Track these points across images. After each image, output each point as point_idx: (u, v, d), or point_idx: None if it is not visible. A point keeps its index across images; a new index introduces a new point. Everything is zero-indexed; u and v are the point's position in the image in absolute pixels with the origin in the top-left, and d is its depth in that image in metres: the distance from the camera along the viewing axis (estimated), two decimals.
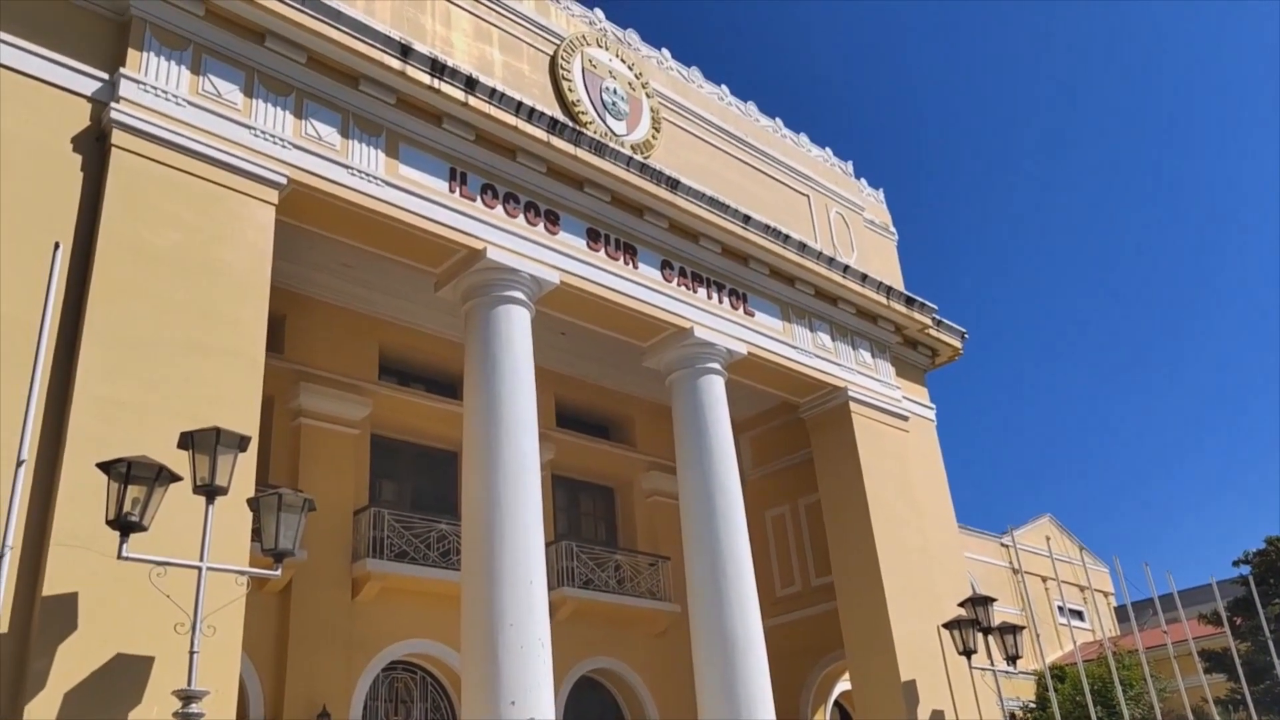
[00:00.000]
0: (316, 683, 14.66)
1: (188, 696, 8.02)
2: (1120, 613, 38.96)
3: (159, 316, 10.30)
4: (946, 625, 16.44)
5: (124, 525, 8.34)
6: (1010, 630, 16.50)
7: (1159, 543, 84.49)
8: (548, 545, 16.09)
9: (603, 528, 20.90)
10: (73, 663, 8.62)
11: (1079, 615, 35.13)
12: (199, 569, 8.57)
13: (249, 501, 9.56)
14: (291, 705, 14.41)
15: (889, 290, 19.93)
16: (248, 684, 14.26)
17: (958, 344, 21.87)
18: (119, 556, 8.37)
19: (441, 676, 16.55)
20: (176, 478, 8.73)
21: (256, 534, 9.66)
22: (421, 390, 18.16)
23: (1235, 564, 26.44)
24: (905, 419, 19.99)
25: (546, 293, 14.52)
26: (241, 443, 8.97)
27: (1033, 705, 24.58)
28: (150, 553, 8.60)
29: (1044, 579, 30.99)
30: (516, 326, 13.76)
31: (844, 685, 21.03)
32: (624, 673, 19.22)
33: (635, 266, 15.94)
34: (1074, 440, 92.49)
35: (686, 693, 15.55)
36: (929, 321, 20.87)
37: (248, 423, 9.79)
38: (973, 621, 16.19)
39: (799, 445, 20.42)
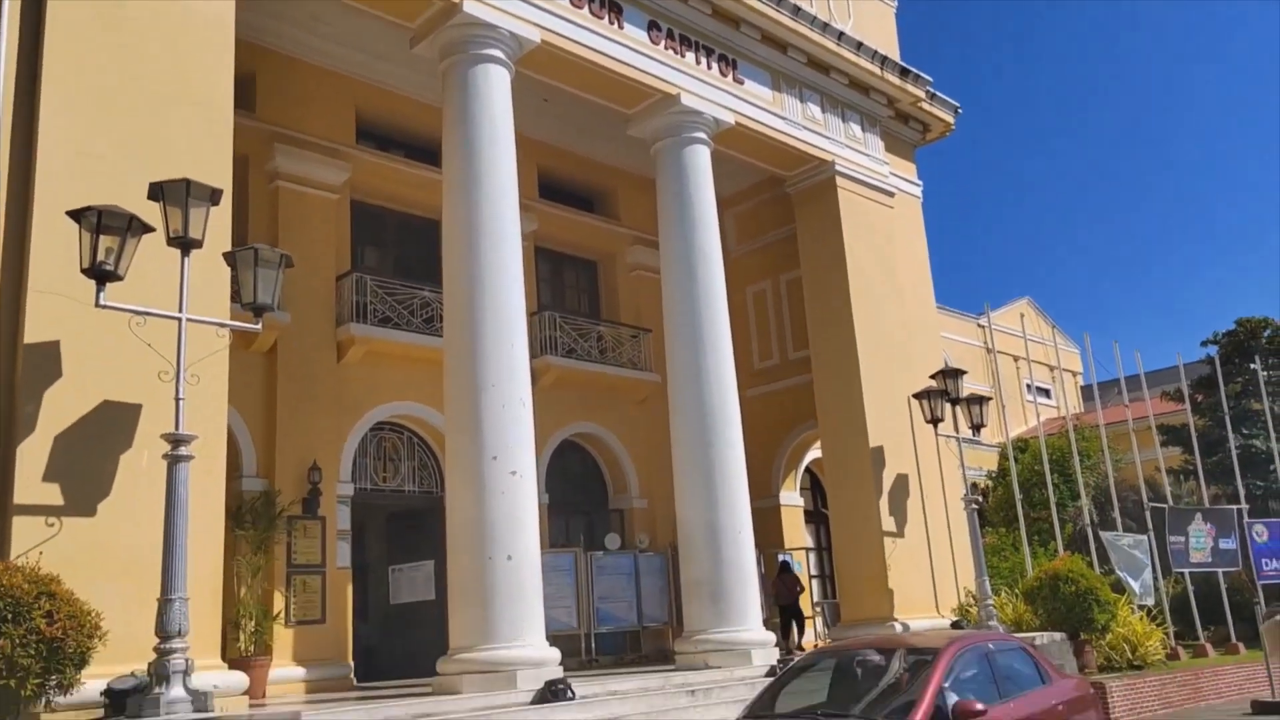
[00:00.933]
0: (306, 440, 15.18)
1: (176, 440, 8.28)
2: (1086, 392, 40.39)
3: (120, 65, 9.88)
4: (916, 395, 16.98)
5: (99, 274, 8.32)
6: (977, 401, 17.07)
7: (1133, 326, 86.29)
8: (531, 315, 16.29)
9: (586, 300, 21.11)
10: (60, 408, 8.84)
11: (1046, 394, 36.44)
12: (179, 319, 8.63)
13: (225, 256, 9.52)
14: (283, 461, 14.98)
15: (884, 60, 19.24)
16: (239, 439, 14.76)
17: (949, 118, 21.37)
18: (96, 304, 8.41)
19: (427, 436, 17.15)
20: (149, 228, 8.63)
21: (236, 295, 9.72)
22: (401, 156, 17.78)
23: (1204, 344, 27.07)
24: (891, 195, 19.83)
25: (527, 52, 13.93)
26: (213, 195, 8.82)
27: (994, 474, 25.86)
28: (129, 303, 8.63)
29: (1015, 358, 31.80)
30: (496, 87, 13.28)
31: (815, 453, 22.00)
32: (604, 437, 19.98)
33: (621, 26, 15.24)
34: (1058, 226, 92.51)
35: (664, 457, 16.19)
36: (922, 94, 20.29)
37: (219, 176, 9.58)
38: (941, 392, 16.72)
39: (783, 222, 20.34)
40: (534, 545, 11.90)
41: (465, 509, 11.72)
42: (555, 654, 11.65)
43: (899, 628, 16.15)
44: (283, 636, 14.27)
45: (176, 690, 7.66)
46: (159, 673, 7.72)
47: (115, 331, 8.86)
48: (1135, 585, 18.72)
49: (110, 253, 8.30)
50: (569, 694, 10.94)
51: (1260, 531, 20.62)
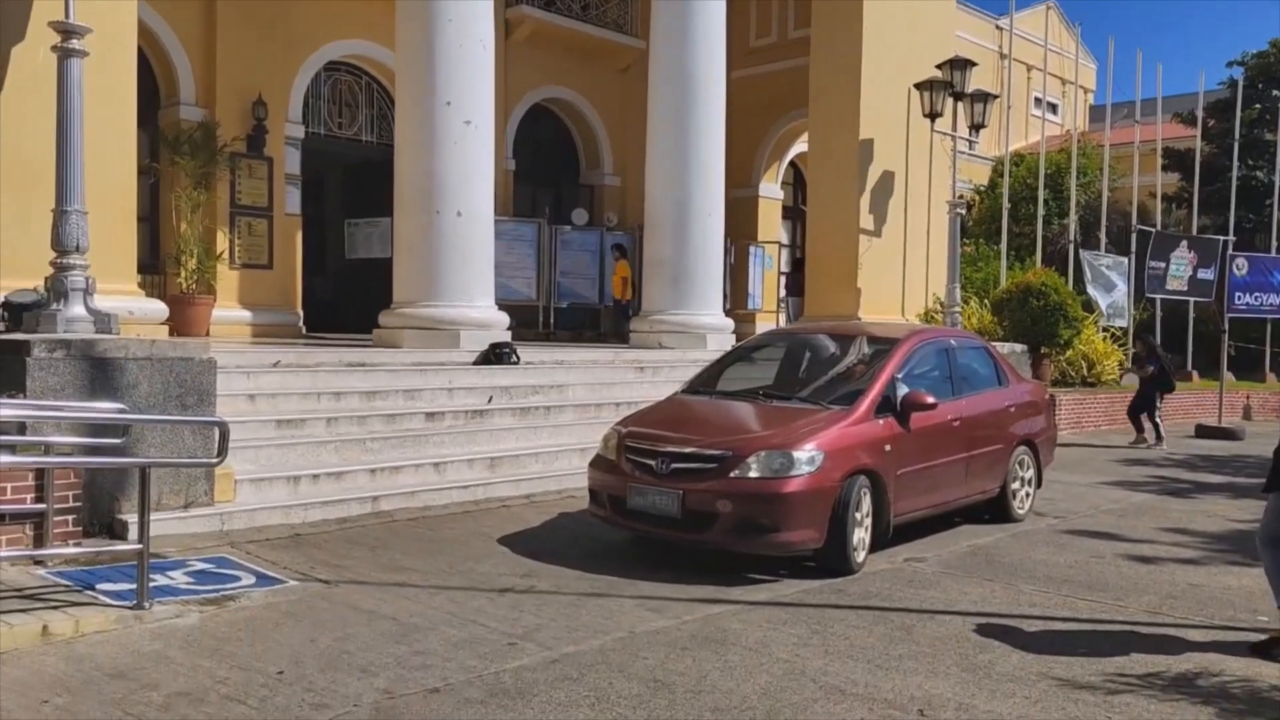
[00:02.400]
0: (250, 71, 13.88)
1: (66, 30, 7.14)
2: (1095, 114, 38.50)
3: None
4: (918, 85, 15.65)
5: None
6: (981, 98, 15.81)
7: (1160, 49, 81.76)
8: None
9: None
10: None
11: (1054, 109, 34.68)
12: None
13: None
14: (225, 91, 13.77)
15: None
16: (175, 61, 13.50)
17: None
18: None
19: (386, 83, 15.79)
20: None
21: None
22: None
23: (1229, 65, 25.28)
24: None
25: None
26: None
27: (982, 188, 24.89)
28: None
29: (1029, 68, 29.82)
30: None
31: (801, 147, 20.89)
32: (580, 105, 18.69)
33: None
34: None
35: (642, 133, 15.00)
36: None
37: None
38: (946, 84, 15.41)
39: None
40: (487, 204, 11.10)
41: (414, 159, 10.78)
42: (503, 318, 11.22)
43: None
44: (227, 278, 13.76)
45: (76, 309, 7.07)
46: (56, 289, 7.09)
47: None
48: (1104, 305, 18.48)
49: None
50: (513, 358, 10.62)
51: (1241, 265, 20.19)
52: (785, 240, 22.09)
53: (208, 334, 13.18)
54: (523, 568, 6.18)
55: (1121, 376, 17.35)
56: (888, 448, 6.52)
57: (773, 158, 21.02)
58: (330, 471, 7.66)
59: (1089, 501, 9.21)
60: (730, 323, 14.04)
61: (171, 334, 12.75)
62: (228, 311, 13.57)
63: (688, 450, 6.19)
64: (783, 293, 21.19)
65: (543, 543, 6.85)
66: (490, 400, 9.77)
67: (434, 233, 10.66)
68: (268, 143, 14.09)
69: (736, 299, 20.00)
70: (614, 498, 6.43)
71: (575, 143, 19.44)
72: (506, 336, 11.11)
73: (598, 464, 6.69)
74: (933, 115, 15.57)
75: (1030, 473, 8.26)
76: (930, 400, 6.69)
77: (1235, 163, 21.70)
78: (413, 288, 10.82)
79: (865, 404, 6.52)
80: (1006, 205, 18.87)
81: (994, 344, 13.71)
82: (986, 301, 16.92)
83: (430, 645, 4.75)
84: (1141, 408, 14.28)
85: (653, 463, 6.25)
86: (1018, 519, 8.05)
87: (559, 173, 19.27)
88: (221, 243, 13.65)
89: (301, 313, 14.78)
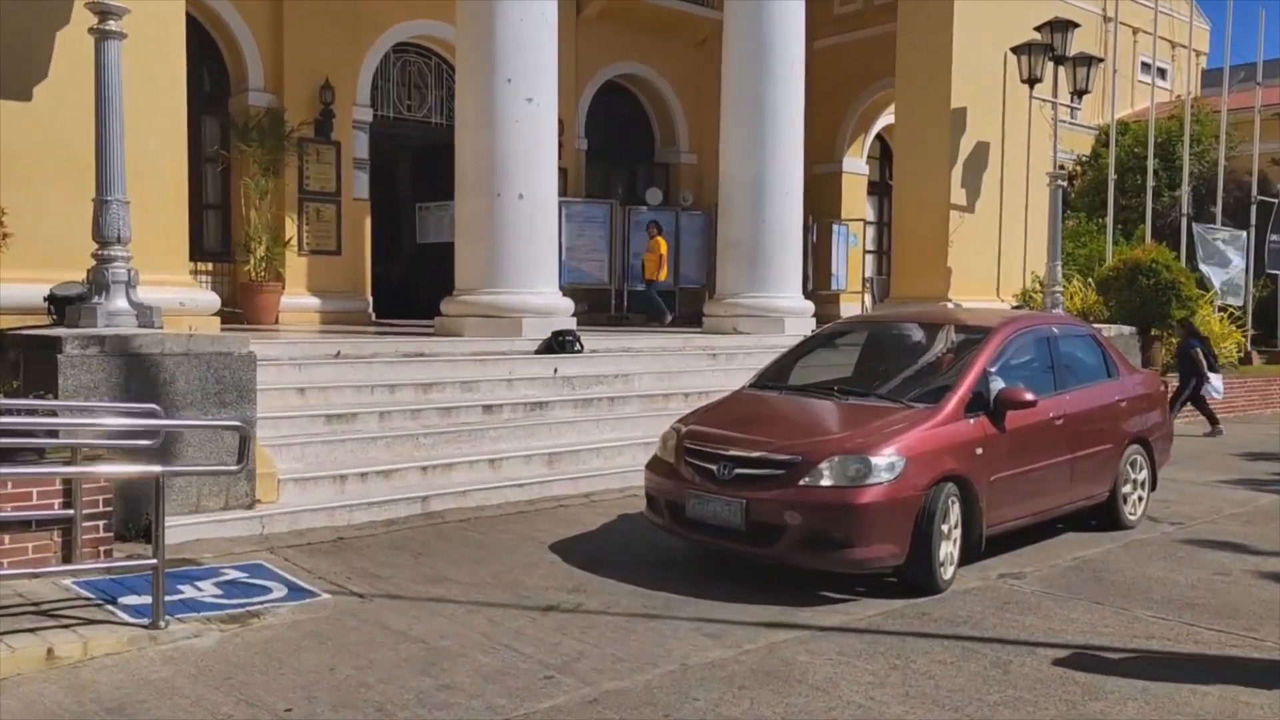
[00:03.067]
0: (318, 55, 13.62)
1: (103, 10, 6.84)
2: (1207, 78, 36.12)
3: None
4: (1015, 49, 14.59)
5: None
6: (1085, 62, 14.69)
7: None
8: None
9: None
10: None
11: (1162, 75, 32.61)
12: None
13: None
14: (292, 77, 13.55)
15: None
16: (244, 47, 13.30)
17: None
18: None
19: (454, 62, 15.35)
20: None
21: None
22: None
23: None
24: None
25: None
26: None
27: (1085, 158, 23.39)
28: None
29: (1135, 30, 28.00)
30: None
31: (888, 118, 19.85)
32: (655, 81, 18.07)
33: None
34: None
35: (716, 109, 14.30)
36: None
37: None
38: (1046, 47, 14.32)
39: None
40: (550, 185, 10.58)
41: (474, 139, 10.32)
42: (567, 304, 10.72)
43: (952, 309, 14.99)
44: (296, 265, 13.58)
45: (118, 302, 6.81)
46: (97, 281, 6.84)
47: None
48: (1218, 283, 17.15)
49: None
50: (577, 346, 10.12)
51: None
52: (871, 217, 21.12)
53: (277, 321, 13.04)
54: (572, 580, 5.67)
55: (1241, 361, 16.06)
56: (979, 450, 5.81)
57: (857, 131, 20.05)
58: (380, 469, 7.28)
59: (1208, 504, 8.30)
60: (810, 306, 13.29)
61: (242, 322, 12.70)
62: (296, 299, 13.40)
63: (753, 455, 5.58)
64: (869, 273, 20.29)
65: (597, 550, 6.35)
66: (555, 372, 9.36)
67: (494, 216, 10.20)
68: (335, 127, 13.83)
69: (819, 280, 19.19)
70: (672, 504, 5.87)
71: (650, 120, 18.83)
72: (571, 323, 10.61)
73: (655, 466, 6.14)
74: (1031, 81, 14.52)
75: (1144, 474, 7.42)
76: (1028, 397, 5.95)
77: None
78: (473, 274, 10.39)
79: (953, 402, 5.81)
80: (1113, 175, 17.61)
81: (1100, 329, 12.76)
82: (1090, 280, 15.78)
83: (458, 677, 4.27)
84: (1197, 395, 12.99)
85: (713, 467, 5.67)
86: (1129, 526, 7.23)
87: (634, 152, 18.69)
88: (290, 229, 13.47)
89: (371, 299, 14.56)
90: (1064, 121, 18.80)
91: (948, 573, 5.61)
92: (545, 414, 8.96)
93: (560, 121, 16.18)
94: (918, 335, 6.93)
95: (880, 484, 5.32)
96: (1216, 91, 20.35)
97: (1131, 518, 7.29)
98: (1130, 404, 7.28)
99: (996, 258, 16.00)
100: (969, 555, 5.91)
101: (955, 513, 5.66)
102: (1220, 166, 18.57)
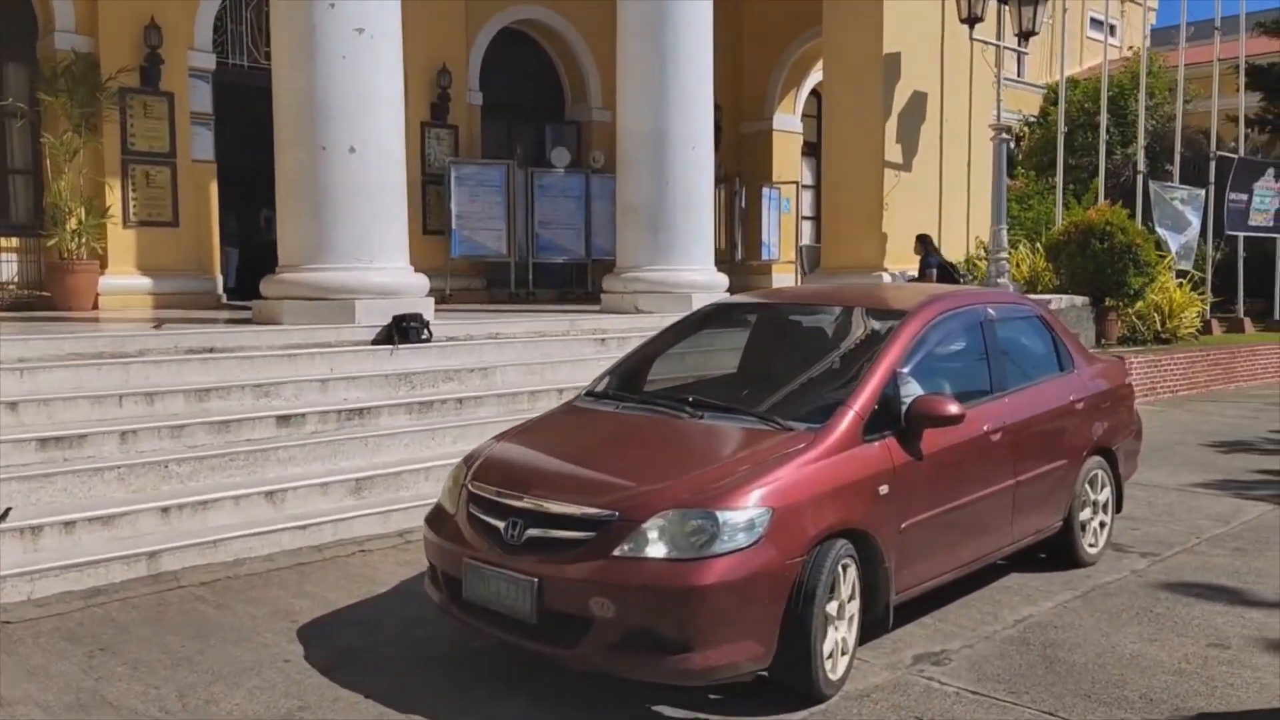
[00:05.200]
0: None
1: None
2: (1156, 37, 34.83)
3: None
4: None
5: None
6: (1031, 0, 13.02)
7: None
8: None
9: None
10: None
11: (1112, 31, 31.19)
12: None
13: None
14: (109, 16, 11.45)
15: None
16: None
17: None
18: None
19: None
20: None
21: None
22: None
23: None
24: None
25: None
26: None
27: (1033, 118, 21.82)
28: None
29: None
30: None
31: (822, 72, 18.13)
32: (562, 29, 16.10)
33: None
34: None
35: None
36: None
37: None
38: None
39: None
40: (393, 138, 8.64)
41: (293, 78, 8.36)
42: (418, 282, 8.85)
43: (888, 280, 13.35)
44: (122, 240, 11.55)
45: None
46: None
47: None
48: (1175, 246, 15.69)
49: None
50: (423, 334, 8.30)
51: None
52: (809, 180, 19.40)
53: (95, 306, 11.04)
54: (294, 698, 3.88)
55: (1200, 330, 14.65)
56: (884, 489, 4.10)
57: (789, 84, 18.26)
58: (98, 515, 5.39)
59: (1185, 521, 6.71)
60: (723, 279, 11.53)
61: (51, 308, 10.70)
62: (121, 279, 11.40)
63: (551, 508, 3.82)
64: (806, 241, 18.64)
65: (364, 634, 4.55)
66: (392, 368, 7.60)
67: (319, 174, 8.26)
68: (165, 76, 11.77)
69: (750, 249, 17.54)
70: (449, 577, 4.09)
71: (559, 73, 16.89)
72: (426, 305, 8.77)
73: (434, 519, 4.34)
74: (971, 20, 12.86)
75: (1106, 494, 5.79)
76: (952, 410, 4.24)
77: None
78: (296, 246, 8.47)
79: (846, 421, 4.08)
80: (1063, 128, 16.02)
81: (1049, 300, 11.18)
82: (1039, 246, 14.23)
83: None
84: None
85: (501, 524, 3.90)
86: (1089, 562, 5.60)
87: (542, 108, 16.76)
88: (111, 197, 11.42)
89: (221, 278, 12.57)
90: (1010, 79, 17.22)
91: (838, 669, 3.90)
92: (366, 424, 7.12)
93: (447, 71, 14.55)
94: (815, 322, 5.20)
95: (734, 552, 3.58)
96: (1168, 49, 18.87)
97: (1092, 551, 5.66)
98: (1089, 404, 5.62)
99: (937, 222, 14.39)
100: (873, 630, 4.22)
101: (850, 582, 3.96)
102: (1178, 121, 17.08)
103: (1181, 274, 15.32)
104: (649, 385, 5.00)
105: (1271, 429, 10.66)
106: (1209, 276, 16.59)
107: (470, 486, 4.15)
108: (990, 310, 5.17)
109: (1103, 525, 5.76)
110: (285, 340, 7.75)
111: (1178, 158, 16.87)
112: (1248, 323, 16.83)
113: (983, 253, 14.16)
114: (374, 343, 8.11)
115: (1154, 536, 6.28)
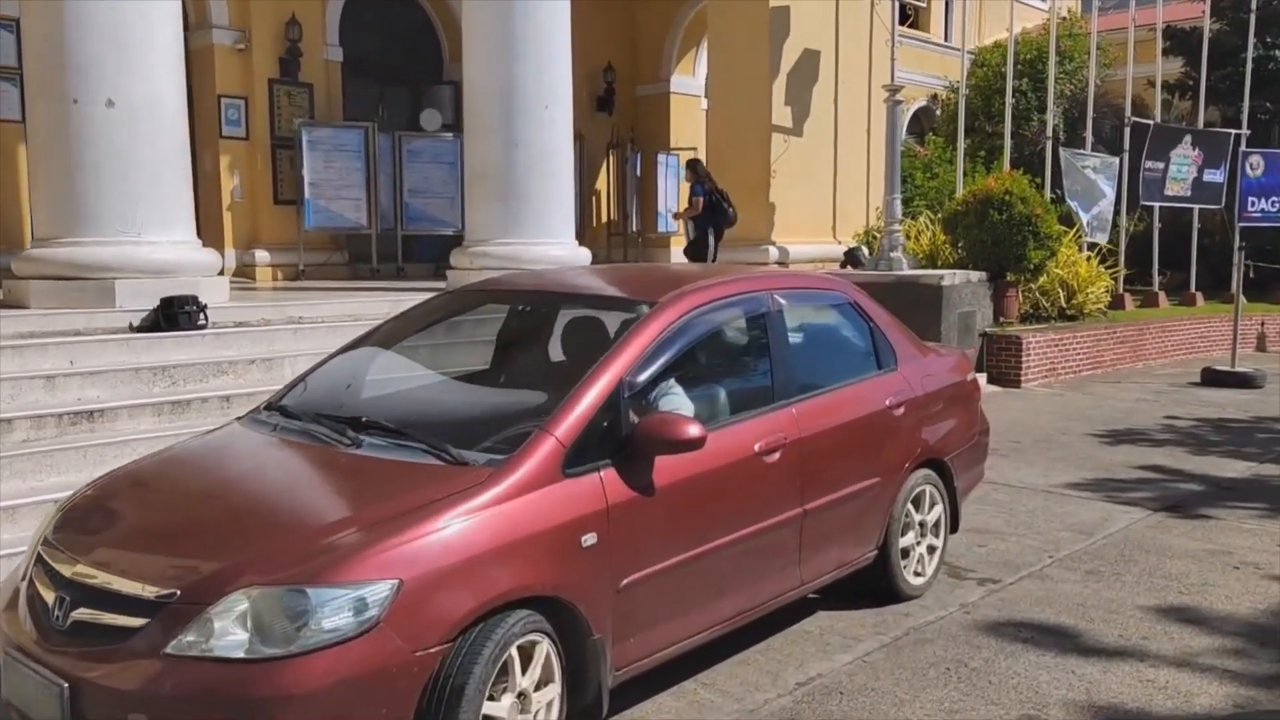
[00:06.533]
0: None
1: None
2: (1086, 3, 34.35)
3: None
4: None
5: None
6: None
7: None
8: None
9: None
10: None
11: None
12: None
13: None
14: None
15: None
16: None
17: None
18: None
19: None
20: None
21: None
22: None
23: None
24: None
25: None
26: None
27: (956, 84, 20.96)
28: None
29: None
30: None
31: None
32: None
33: None
34: None
35: None
36: None
37: None
38: None
39: None
40: (169, 87, 7.45)
41: (38, 16, 7.15)
42: (207, 259, 7.71)
43: (774, 255, 12.42)
44: None
45: None
46: None
47: None
48: (1086, 217, 14.94)
49: None
50: (199, 319, 7.18)
51: (1255, 163, 16.69)
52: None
53: None
54: None
55: (1111, 305, 13.96)
56: (589, 539, 3.12)
57: (687, 44, 17.19)
58: None
59: (1044, 532, 5.86)
60: (585, 254, 10.50)
61: None
62: None
63: (98, 582, 2.78)
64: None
65: None
66: (151, 359, 6.44)
67: (71, 131, 7.06)
68: None
69: (646, 220, 16.54)
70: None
71: (436, 30, 15.63)
72: (217, 286, 7.66)
73: (8, 583, 3.29)
74: None
75: (937, 512, 4.88)
76: (690, 432, 3.25)
77: (1251, 40, 17.90)
78: (49, 218, 7.28)
79: (538, 453, 3.08)
80: (964, 91, 15.19)
81: (942, 272, 10.33)
82: (939, 217, 13.39)
83: None
84: (700, 258, 11.21)
85: (51, 597, 2.86)
86: (913, 595, 4.71)
87: (416, 67, 15.50)
88: None
89: None
90: (938, 44, 16.36)
91: None
92: (98, 429, 6.00)
93: (297, 22, 13.26)
94: (542, 318, 4.18)
95: (335, 645, 2.58)
96: (1087, 17, 18.12)
97: (917, 581, 4.76)
98: (913, 408, 4.69)
99: (832, 192, 13.48)
100: (585, 716, 3.26)
101: (539, 664, 2.98)
102: (1091, 86, 16.32)
103: (1093, 246, 14.61)
104: (342, 395, 3.95)
105: (1168, 414, 9.92)
106: (1122, 248, 15.92)
107: (43, 544, 3.10)
108: (779, 297, 4.18)
109: (932, 550, 4.86)
110: (23, 328, 6.58)
111: (1090, 124, 16.12)
112: (1162, 297, 16.20)
113: (882, 225, 13.30)
114: (136, 330, 6.97)
115: (1002, 556, 5.42)
